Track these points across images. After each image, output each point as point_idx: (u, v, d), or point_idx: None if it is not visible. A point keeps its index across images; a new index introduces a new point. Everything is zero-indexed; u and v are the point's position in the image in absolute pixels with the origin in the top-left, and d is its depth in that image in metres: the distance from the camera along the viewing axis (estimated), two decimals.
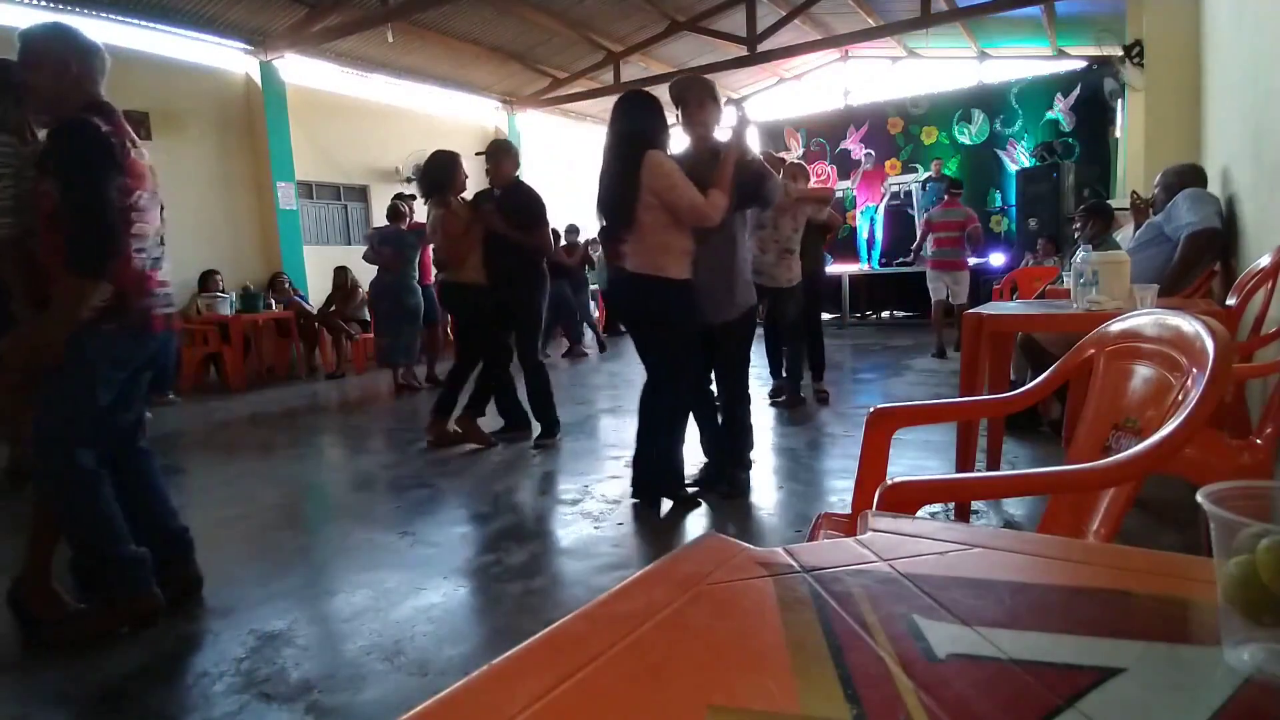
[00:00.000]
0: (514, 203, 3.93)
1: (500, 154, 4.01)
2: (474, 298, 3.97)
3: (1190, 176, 3.43)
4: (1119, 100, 8.23)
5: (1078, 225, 4.66)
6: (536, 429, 4.12)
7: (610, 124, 2.78)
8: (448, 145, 10.81)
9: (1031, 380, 1.41)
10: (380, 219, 8.76)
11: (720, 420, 3.08)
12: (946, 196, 7.19)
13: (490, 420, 4.18)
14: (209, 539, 2.81)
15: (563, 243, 8.34)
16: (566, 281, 7.92)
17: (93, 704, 1.75)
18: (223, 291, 7.29)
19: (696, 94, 2.80)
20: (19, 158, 2.03)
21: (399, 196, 6.51)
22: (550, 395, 4.06)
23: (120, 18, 7.12)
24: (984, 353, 2.53)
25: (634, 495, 3.02)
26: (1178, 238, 3.12)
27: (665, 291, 2.69)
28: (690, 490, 2.99)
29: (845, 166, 10.97)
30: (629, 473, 3.23)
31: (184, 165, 7.58)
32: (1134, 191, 4.36)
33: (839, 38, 9.94)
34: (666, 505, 2.94)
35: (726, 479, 3.06)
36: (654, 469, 2.92)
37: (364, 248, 6.54)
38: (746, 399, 3.09)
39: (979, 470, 2.74)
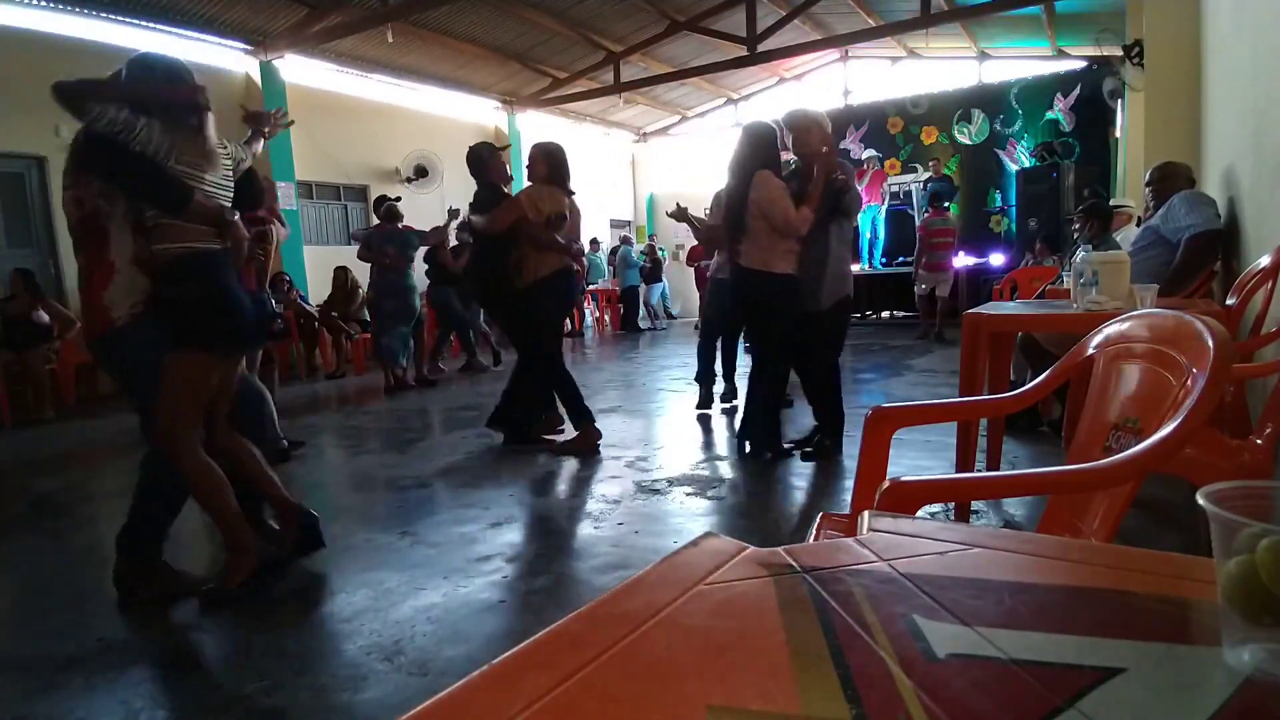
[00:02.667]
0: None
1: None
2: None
3: (1176, 176, 3.42)
4: (1119, 100, 8.23)
5: (1077, 225, 4.66)
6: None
7: (735, 147, 3.39)
8: (448, 145, 10.72)
9: (1031, 380, 1.41)
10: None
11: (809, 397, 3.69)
12: (930, 210, 8.17)
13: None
14: (209, 539, 2.81)
15: (452, 243, 6.71)
16: (454, 290, 6.83)
17: (91, 704, 1.75)
18: None
19: (801, 125, 3.37)
20: None
21: (390, 199, 6.54)
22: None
23: (120, 18, 7.11)
24: (984, 353, 2.53)
25: (739, 449, 3.66)
26: (1177, 240, 3.11)
27: (773, 283, 3.29)
28: (787, 446, 3.58)
29: None
30: (629, 472, 3.25)
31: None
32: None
33: (839, 38, 9.95)
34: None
35: (818, 443, 3.56)
36: (757, 429, 3.51)
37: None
38: (837, 374, 3.63)
39: (979, 470, 2.74)
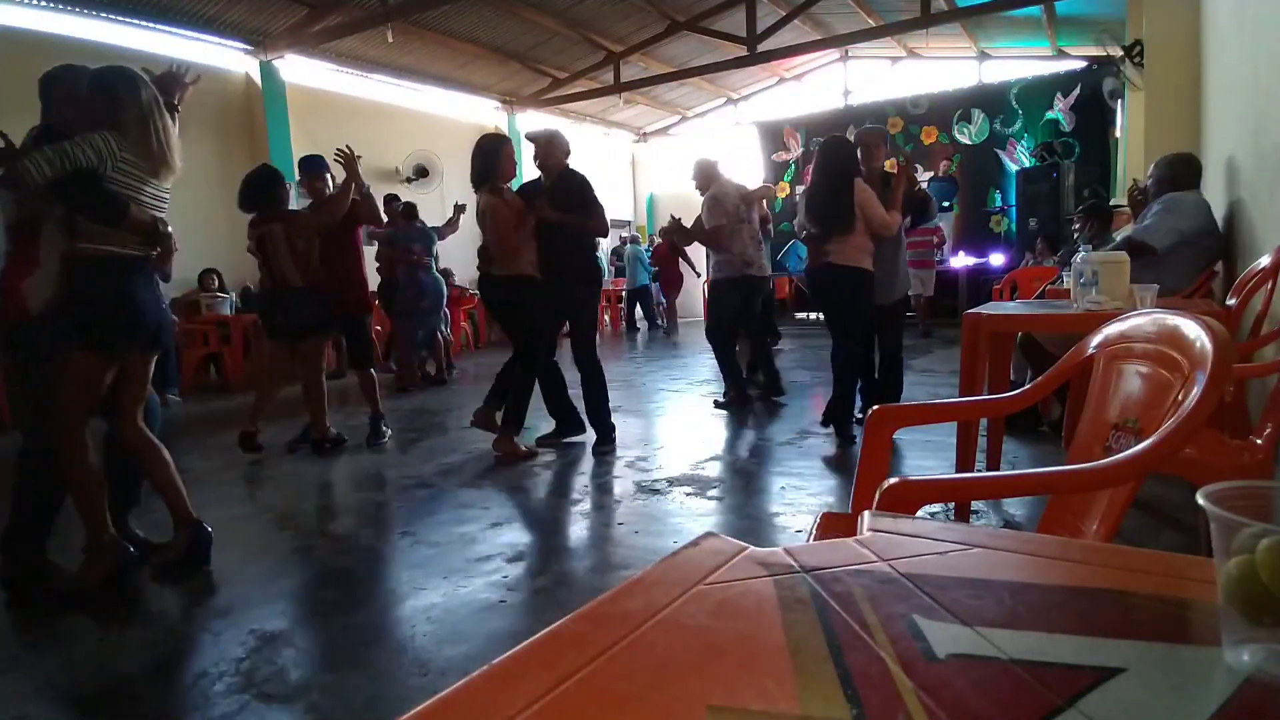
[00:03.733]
0: (565, 191, 3.82)
1: (549, 143, 3.86)
2: (528, 292, 3.74)
3: (1180, 170, 3.42)
4: (1119, 100, 8.22)
5: (1077, 225, 4.66)
6: (590, 433, 4.00)
7: (818, 158, 3.85)
8: (448, 145, 10.74)
9: (1031, 380, 1.41)
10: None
11: (876, 375, 4.05)
12: None
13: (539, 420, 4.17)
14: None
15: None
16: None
17: (93, 704, 1.75)
18: (223, 291, 7.30)
19: (872, 140, 3.94)
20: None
21: (397, 199, 6.67)
22: (607, 398, 3.98)
23: (120, 18, 7.10)
24: (984, 353, 2.53)
25: (824, 424, 4.06)
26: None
27: (864, 278, 3.73)
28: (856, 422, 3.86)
29: None
30: (629, 473, 3.25)
31: (184, 165, 7.59)
32: (1134, 181, 4.38)
33: (839, 38, 9.93)
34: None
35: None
36: (838, 405, 3.89)
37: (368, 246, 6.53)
38: (900, 358, 4.05)
39: (979, 470, 2.74)
